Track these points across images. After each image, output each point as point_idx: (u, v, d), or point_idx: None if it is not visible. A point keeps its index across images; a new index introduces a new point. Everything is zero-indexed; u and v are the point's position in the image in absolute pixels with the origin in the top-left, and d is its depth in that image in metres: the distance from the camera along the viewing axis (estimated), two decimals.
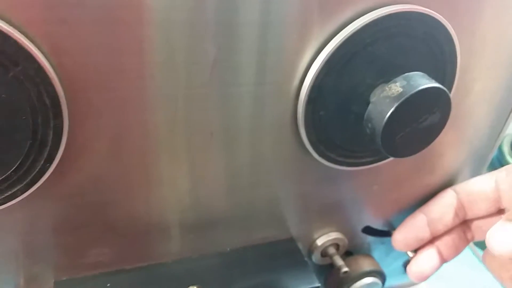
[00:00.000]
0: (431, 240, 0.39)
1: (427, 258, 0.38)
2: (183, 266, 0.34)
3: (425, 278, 0.39)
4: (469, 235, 0.39)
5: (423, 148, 0.29)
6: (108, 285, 0.31)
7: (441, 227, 0.38)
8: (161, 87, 0.26)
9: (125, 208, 0.30)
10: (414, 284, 0.52)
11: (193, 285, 0.32)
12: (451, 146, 0.38)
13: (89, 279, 0.31)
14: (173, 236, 0.34)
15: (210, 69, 0.26)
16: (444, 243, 0.39)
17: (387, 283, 0.45)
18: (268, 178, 0.33)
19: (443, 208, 0.38)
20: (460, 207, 0.37)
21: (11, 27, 0.21)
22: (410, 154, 0.29)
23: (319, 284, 0.34)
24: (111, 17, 0.22)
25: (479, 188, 0.36)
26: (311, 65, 0.28)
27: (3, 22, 0.20)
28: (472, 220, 0.38)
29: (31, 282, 0.32)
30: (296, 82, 0.29)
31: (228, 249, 0.36)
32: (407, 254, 0.40)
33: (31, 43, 0.21)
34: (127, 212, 0.30)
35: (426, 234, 0.38)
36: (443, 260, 0.39)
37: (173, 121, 0.27)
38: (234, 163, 0.31)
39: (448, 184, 0.40)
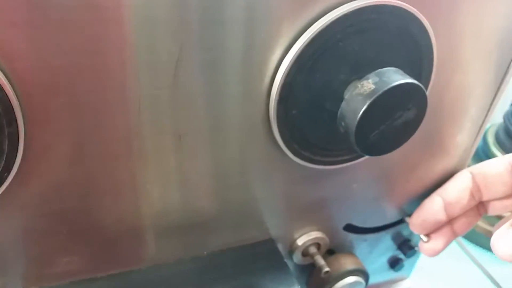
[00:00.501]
0: (447, 221, 0.38)
1: (441, 235, 0.38)
2: (158, 273, 0.32)
3: (437, 253, 0.39)
4: (481, 211, 0.39)
5: (399, 145, 0.28)
6: None
7: (457, 210, 0.37)
8: (122, 88, 0.24)
9: (93, 215, 0.29)
10: (399, 280, 0.51)
11: None
12: (444, 135, 0.37)
13: None
14: (147, 242, 0.32)
15: (174, 68, 0.25)
16: (459, 221, 0.39)
17: (371, 280, 0.44)
18: (242, 179, 0.32)
19: (460, 191, 0.37)
20: (476, 189, 0.37)
21: None
22: (386, 152, 0.28)
23: (298, 287, 0.32)
24: (66, 17, 0.21)
25: (496, 171, 0.36)
26: (281, 62, 0.27)
27: None
28: (487, 201, 0.38)
29: None
30: (266, 80, 0.27)
31: (205, 252, 0.34)
32: (421, 238, 0.39)
33: None
34: (95, 218, 0.29)
35: (443, 217, 0.37)
36: (456, 236, 0.39)
37: (138, 124, 0.26)
38: (205, 166, 0.30)
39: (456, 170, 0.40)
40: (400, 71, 0.27)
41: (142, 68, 0.24)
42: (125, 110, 0.25)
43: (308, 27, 0.26)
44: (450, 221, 0.39)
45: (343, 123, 0.27)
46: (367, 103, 0.26)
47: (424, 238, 0.39)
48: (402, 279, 0.51)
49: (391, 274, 0.49)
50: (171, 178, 0.30)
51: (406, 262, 0.48)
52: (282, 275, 0.33)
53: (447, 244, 0.39)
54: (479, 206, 0.38)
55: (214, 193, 0.32)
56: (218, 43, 0.25)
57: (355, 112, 0.26)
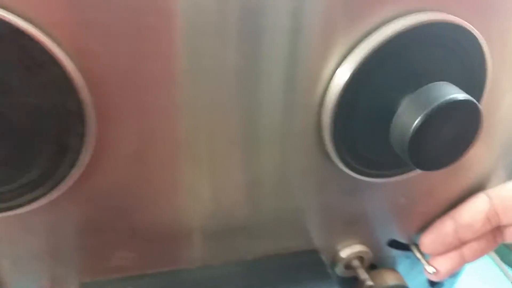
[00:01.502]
0: (458, 245, 0.37)
1: (447, 260, 0.37)
2: (205, 273, 0.33)
3: (441, 278, 0.37)
4: (498, 239, 0.37)
5: (453, 161, 0.28)
6: None
7: (470, 234, 0.36)
8: (185, 94, 0.25)
9: (149, 213, 0.30)
10: None
11: None
12: (482, 155, 0.36)
13: (112, 282, 0.31)
14: (196, 243, 0.33)
15: (234, 76, 0.25)
16: (470, 247, 0.37)
17: None
18: (291, 188, 0.32)
19: (473, 214, 0.36)
20: (494, 214, 0.35)
21: (36, 30, 0.20)
22: (440, 168, 0.27)
23: None
24: (137, 21, 0.22)
25: None
26: (334, 73, 0.27)
27: (29, 24, 0.20)
28: (506, 226, 0.36)
29: (55, 283, 0.32)
30: (319, 90, 0.27)
31: (250, 257, 0.34)
32: (425, 267, 0.38)
33: (56, 46, 0.21)
34: (150, 217, 0.30)
35: (454, 240, 0.36)
36: (464, 262, 0.37)
37: (196, 128, 0.27)
38: (256, 172, 0.30)
39: (476, 191, 0.38)
40: (455, 86, 0.27)
41: (204, 75, 0.25)
42: (183, 115, 0.26)
43: (363, 40, 0.26)
44: (460, 245, 0.37)
45: (396, 136, 0.27)
46: (422, 117, 0.25)
47: (429, 269, 0.37)
48: None
49: None
50: (222, 183, 0.30)
51: (446, 281, 0.46)
52: (325, 285, 0.33)
53: (452, 270, 0.37)
54: (496, 233, 0.36)
55: (262, 199, 0.32)
56: (272, 53, 0.25)
57: (408, 126, 0.26)
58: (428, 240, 0.37)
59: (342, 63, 0.27)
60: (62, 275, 0.31)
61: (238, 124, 0.27)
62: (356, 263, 0.38)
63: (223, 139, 0.28)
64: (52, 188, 0.25)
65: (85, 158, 0.25)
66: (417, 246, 0.38)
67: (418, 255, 0.38)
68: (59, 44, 0.21)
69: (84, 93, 0.22)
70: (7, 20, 0.19)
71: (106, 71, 0.23)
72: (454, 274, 0.44)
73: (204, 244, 0.33)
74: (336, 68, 0.27)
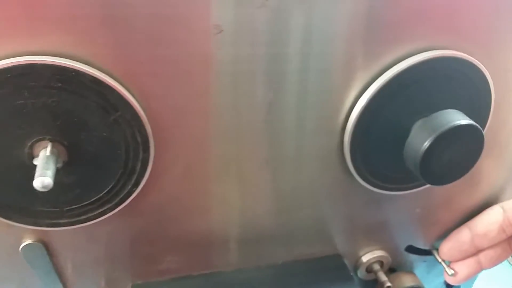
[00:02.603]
0: (475, 252, 0.41)
1: (465, 266, 0.40)
2: (240, 276, 0.38)
3: (459, 282, 0.41)
4: None
5: (459, 177, 0.32)
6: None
7: (485, 242, 0.40)
8: (223, 125, 0.30)
9: (193, 223, 0.35)
10: None
11: None
12: (492, 170, 0.40)
13: (161, 283, 0.36)
14: (231, 249, 0.38)
15: (267, 109, 0.30)
16: (486, 255, 0.40)
17: None
18: (315, 201, 0.37)
19: (488, 224, 0.39)
20: (508, 224, 0.39)
21: (113, 80, 0.26)
22: (448, 182, 0.32)
23: None
24: (184, 69, 0.27)
25: None
26: (356, 102, 0.32)
27: (107, 76, 0.25)
28: None
29: (110, 285, 0.37)
30: (342, 116, 0.32)
31: (280, 262, 0.39)
32: (445, 270, 0.42)
33: (127, 92, 0.26)
34: (194, 226, 0.35)
35: (470, 248, 0.40)
36: (481, 269, 0.41)
37: (232, 152, 0.32)
38: (285, 187, 0.35)
39: (491, 203, 0.42)
40: (461, 113, 0.31)
41: (244, 107, 0.30)
42: (225, 139, 0.31)
43: (380, 75, 0.31)
44: (478, 253, 0.40)
45: (409, 156, 0.31)
46: (431, 139, 0.30)
47: (449, 272, 0.41)
48: None
49: None
50: (254, 198, 0.35)
51: (463, 285, 0.50)
52: (348, 286, 0.38)
53: (470, 275, 0.41)
54: (511, 241, 0.40)
55: (290, 211, 0.37)
56: (302, 89, 0.30)
57: (420, 147, 0.30)
58: (446, 248, 0.41)
59: (362, 95, 0.31)
60: (117, 278, 0.37)
61: (270, 147, 0.32)
62: (376, 266, 0.42)
63: (257, 160, 0.33)
64: (118, 205, 0.30)
65: (145, 178, 0.30)
66: (437, 250, 0.42)
67: (439, 259, 0.42)
68: (129, 90, 0.26)
69: (148, 127, 0.28)
70: (89, 73, 0.25)
71: (163, 109, 0.28)
72: (470, 279, 0.48)
73: (239, 250, 0.38)
74: (357, 99, 0.31)
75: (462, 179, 0.33)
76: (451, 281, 0.41)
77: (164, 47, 0.26)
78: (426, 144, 0.30)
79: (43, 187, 0.24)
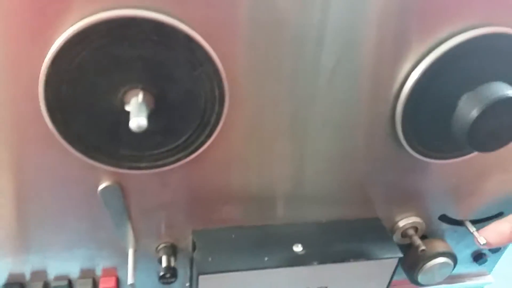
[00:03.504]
0: None
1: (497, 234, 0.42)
2: (289, 229, 0.41)
3: (490, 247, 0.43)
4: None
5: (503, 145, 0.34)
6: (233, 236, 0.39)
7: None
8: (289, 88, 0.33)
9: (252, 178, 0.38)
10: (481, 274, 0.55)
11: (297, 243, 0.39)
12: None
13: (219, 231, 0.39)
14: (282, 205, 0.40)
15: (330, 75, 0.33)
16: None
17: (455, 270, 0.49)
18: (362, 165, 0.39)
19: None
20: None
21: (201, 38, 0.28)
22: (492, 150, 0.34)
23: (401, 255, 0.39)
24: (261, 35, 0.29)
25: None
26: (410, 74, 0.34)
27: (196, 33, 0.28)
28: None
29: (172, 230, 0.40)
30: (396, 87, 0.34)
31: (324, 220, 0.42)
32: (478, 240, 0.44)
33: (212, 50, 0.29)
34: (253, 180, 0.38)
35: (510, 236, 0.41)
36: None
37: (297, 114, 0.34)
38: (335, 150, 0.37)
39: None
40: (508, 85, 0.33)
41: (311, 73, 0.32)
42: (290, 101, 0.33)
43: (433, 49, 0.33)
44: None
45: (457, 124, 0.33)
46: (480, 109, 0.32)
47: (481, 240, 0.43)
48: (484, 274, 0.55)
49: (474, 267, 0.54)
50: (310, 157, 0.37)
51: (490, 258, 0.52)
52: (387, 245, 0.40)
53: (501, 243, 0.42)
54: None
55: (339, 174, 0.39)
56: (362, 58, 0.32)
57: (468, 116, 0.32)
58: (484, 235, 0.43)
59: (415, 67, 0.33)
60: (178, 223, 0.40)
61: (327, 111, 0.35)
62: (411, 232, 0.44)
63: (314, 122, 0.35)
64: (191, 153, 0.33)
65: (217, 131, 0.33)
66: (470, 221, 0.44)
67: (471, 228, 0.44)
68: (214, 49, 0.29)
69: (226, 83, 0.30)
70: (183, 29, 0.27)
71: (239, 70, 0.31)
72: (498, 250, 0.50)
73: (289, 206, 0.41)
74: (411, 71, 0.33)
75: (498, 154, 0.35)
76: (483, 247, 0.43)
77: (248, 12, 0.28)
78: (475, 113, 0.32)
79: (138, 127, 0.26)
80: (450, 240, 0.48)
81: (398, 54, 0.33)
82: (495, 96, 0.32)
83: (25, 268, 0.40)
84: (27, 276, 0.41)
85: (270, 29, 0.30)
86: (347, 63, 0.32)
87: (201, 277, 0.36)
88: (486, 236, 0.42)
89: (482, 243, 0.42)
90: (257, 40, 0.30)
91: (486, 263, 0.52)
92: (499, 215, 0.46)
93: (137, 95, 0.29)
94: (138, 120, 0.26)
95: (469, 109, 0.33)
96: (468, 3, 0.32)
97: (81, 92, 0.28)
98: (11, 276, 0.40)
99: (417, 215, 0.44)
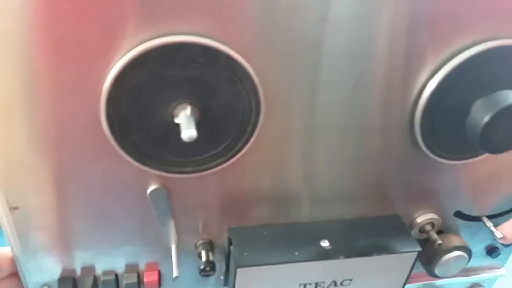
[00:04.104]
0: None
1: None
2: (315, 226, 0.44)
3: (506, 242, 0.45)
4: None
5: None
6: (265, 232, 0.42)
7: None
8: (320, 98, 0.36)
9: (282, 180, 0.41)
10: (494, 267, 0.58)
11: (324, 239, 0.42)
12: None
13: (252, 228, 0.43)
14: (308, 204, 0.44)
15: (353, 86, 0.36)
16: None
17: (469, 264, 0.51)
18: (382, 167, 0.42)
19: None
20: None
21: (241, 57, 0.32)
22: (503, 151, 0.36)
23: (420, 249, 0.42)
24: (293, 51, 0.33)
25: None
26: (427, 83, 0.37)
27: (236, 53, 0.31)
28: None
29: (209, 227, 0.43)
30: (414, 95, 0.37)
31: (348, 217, 0.45)
32: (496, 236, 0.46)
33: (250, 67, 0.32)
34: (282, 182, 0.41)
35: None
36: None
37: (325, 121, 0.37)
38: (359, 153, 0.40)
39: None
40: None
41: (336, 84, 0.35)
42: (318, 110, 0.36)
43: (447, 61, 0.36)
44: None
45: (470, 128, 0.36)
46: (491, 115, 0.35)
47: (498, 235, 0.45)
48: (497, 267, 0.58)
49: (487, 261, 0.56)
50: (335, 161, 0.40)
51: (503, 252, 0.54)
52: (407, 240, 0.43)
53: None
54: None
55: (360, 175, 0.42)
56: (384, 70, 0.35)
57: (481, 121, 0.35)
58: (502, 229, 0.46)
59: (432, 77, 0.36)
60: (216, 222, 0.43)
61: (354, 118, 0.38)
62: (428, 227, 0.47)
63: (341, 129, 0.38)
64: (230, 158, 0.36)
65: (252, 139, 0.36)
66: (486, 217, 0.47)
67: (488, 223, 0.47)
68: (252, 66, 0.32)
69: (262, 97, 0.33)
70: (225, 51, 0.31)
71: (274, 83, 0.34)
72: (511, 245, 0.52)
73: (314, 206, 0.44)
74: (427, 81, 0.36)
75: (509, 154, 0.38)
76: (500, 241, 0.46)
77: (280, 32, 0.32)
78: (486, 118, 0.35)
79: (189, 138, 0.30)
80: (465, 235, 0.51)
81: (415, 67, 0.36)
82: (505, 102, 0.35)
83: (76, 264, 0.44)
84: (78, 271, 0.44)
85: (301, 48, 0.33)
86: (370, 75, 0.36)
87: (239, 269, 0.39)
88: (503, 231, 0.44)
89: (499, 237, 0.45)
90: (289, 58, 0.33)
91: (499, 257, 0.55)
92: (511, 211, 0.49)
93: (185, 109, 0.32)
94: (189, 132, 0.30)
95: (481, 114, 0.35)
96: (478, 18, 0.35)
97: (137, 107, 0.32)
98: (64, 271, 0.44)
99: (433, 211, 0.47)
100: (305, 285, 0.43)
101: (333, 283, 0.43)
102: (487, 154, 0.41)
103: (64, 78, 0.31)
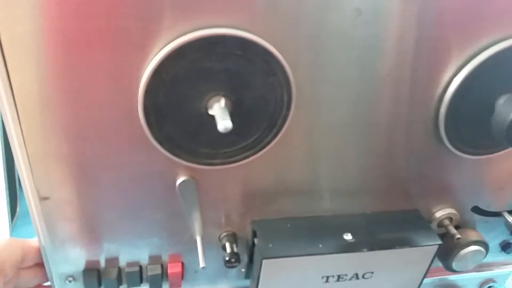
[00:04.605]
0: None
1: None
2: (336, 220, 0.44)
3: None
4: None
5: None
6: (288, 225, 0.42)
7: None
8: (347, 93, 0.36)
9: (306, 174, 0.41)
10: (508, 263, 0.58)
11: (347, 232, 0.42)
12: None
13: (276, 221, 0.43)
14: (330, 198, 0.44)
15: (381, 82, 0.36)
16: None
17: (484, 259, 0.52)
18: (405, 162, 0.42)
19: None
20: None
21: (276, 50, 0.32)
22: None
23: (441, 242, 0.42)
24: (325, 45, 0.33)
25: None
26: (452, 80, 0.37)
27: (271, 46, 0.32)
28: None
29: (232, 220, 0.44)
30: (439, 91, 0.38)
31: (369, 212, 0.45)
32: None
33: (284, 60, 0.32)
34: (305, 176, 0.41)
35: None
36: None
37: (350, 116, 0.38)
38: (382, 148, 0.41)
39: None
40: None
41: (365, 79, 0.36)
42: (344, 105, 0.37)
43: (473, 57, 0.36)
44: None
45: (497, 124, 0.36)
46: None
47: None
48: (510, 263, 0.58)
49: (501, 256, 0.57)
50: (356, 155, 0.41)
51: None
52: (427, 234, 0.43)
53: None
54: None
55: (383, 169, 0.43)
56: (411, 66, 0.36)
57: (507, 116, 0.35)
58: None
59: (458, 73, 0.37)
60: (240, 214, 0.43)
61: (380, 113, 0.38)
62: (446, 222, 0.48)
63: (364, 123, 0.39)
64: (258, 151, 0.37)
65: (282, 131, 0.36)
66: (508, 212, 0.47)
67: (509, 218, 0.47)
68: (286, 59, 0.32)
69: (294, 89, 0.34)
70: (262, 44, 0.31)
71: (305, 77, 0.34)
72: None
73: (336, 199, 0.44)
74: (453, 77, 0.37)
75: None
76: None
77: (313, 26, 0.32)
78: None
79: (225, 129, 0.30)
80: (481, 230, 0.51)
81: (441, 63, 0.36)
82: None
83: (101, 256, 0.44)
84: (103, 263, 0.45)
85: (332, 42, 0.33)
86: (397, 70, 0.36)
87: (264, 261, 0.39)
88: None
89: None
90: (321, 51, 0.33)
91: None
92: None
93: (219, 101, 0.32)
94: (225, 123, 0.30)
95: (506, 109, 0.36)
96: (503, 15, 0.35)
97: (173, 99, 0.32)
98: (88, 263, 0.44)
99: (452, 206, 0.48)
100: (327, 277, 0.43)
101: (355, 275, 0.43)
102: (507, 150, 0.42)
103: (102, 69, 0.31)
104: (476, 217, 0.50)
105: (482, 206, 0.49)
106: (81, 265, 0.44)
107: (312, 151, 0.40)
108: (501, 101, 0.37)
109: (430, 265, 0.45)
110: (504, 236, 0.54)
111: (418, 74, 0.37)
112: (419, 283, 0.46)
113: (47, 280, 0.46)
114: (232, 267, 0.42)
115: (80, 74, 0.31)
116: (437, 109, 0.38)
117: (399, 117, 0.39)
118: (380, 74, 0.36)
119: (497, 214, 0.50)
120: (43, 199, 0.38)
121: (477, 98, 0.37)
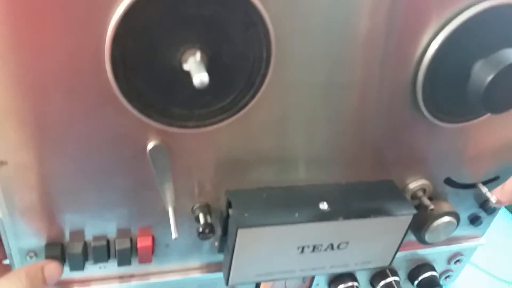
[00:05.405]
0: None
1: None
2: (313, 189, 0.42)
3: (501, 205, 0.46)
4: None
5: None
6: (264, 195, 0.40)
7: None
8: (329, 51, 0.34)
9: (285, 140, 0.39)
10: (475, 236, 0.59)
11: (322, 201, 0.41)
12: None
13: (251, 191, 0.41)
14: (306, 167, 0.42)
15: (362, 41, 0.34)
16: None
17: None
18: (380, 128, 0.41)
19: None
20: None
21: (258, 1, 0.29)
22: (504, 111, 0.36)
23: (416, 211, 0.41)
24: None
25: None
26: (430, 43, 0.36)
27: None
28: None
29: (203, 189, 0.41)
30: (417, 55, 0.36)
31: (343, 181, 0.44)
32: (490, 200, 0.47)
33: (265, 10, 0.30)
34: (284, 143, 0.39)
35: None
36: None
37: (329, 76, 0.36)
38: (357, 113, 0.39)
39: None
40: None
41: (343, 37, 0.34)
42: (325, 64, 0.35)
43: (450, 20, 0.35)
44: None
45: (473, 88, 0.36)
46: (494, 73, 0.34)
47: (493, 199, 0.46)
48: (477, 237, 0.58)
49: (469, 230, 0.57)
50: (333, 120, 0.39)
51: (485, 220, 0.55)
52: (402, 203, 0.43)
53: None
54: None
55: (357, 136, 0.41)
56: (389, 29, 0.34)
57: (484, 80, 0.35)
58: (497, 195, 0.46)
59: (435, 37, 0.35)
60: (214, 184, 0.41)
61: (355, 75, 0.36)
62: (420, 193, 0.47)
63: (343, 85, 0.37)
64: (235, 113, 0.34)
65: (260, 92, 0.34)
66: (481, 183, 0.48)
67: (484, 189, 0.47)
68: (267, 10, 0.30)
69: (274, 45, 0.31)
70: None
71: (286, 31, 0.32)
72: (493, 212, 0.53)
73: (311, 169, 0.43)
74: (431, 40, 0.36)
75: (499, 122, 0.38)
76: (495, 205, 0.46)
77: None
78: (489, 76, 0.35)
79: (201, 83, 0.28)
80: (451, 203, 0.51)
81: (419, 26, 0.35)
82: (508, 61, 0.34)
83: (65, 228, 0.41)
84: (67, 236, 0.41)
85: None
86: (377, 32, 0.34)
87: (240, 230, 0.37)
88: (496, 195, 0.45)
89: (494, 202, 0.45)
90: (305, 5, 0.31)
91: (480, 226, 0.56)
92: (495, 179, 0.49)
93: (194, 54, 0.30)
94: (201, 76, 0.28)
95: (484, 73, 0.35)
96: None
97: (144, 49, 0.29)
98: (51, 236, 0.41)
99: (425, 177, 0.47)
100: (303, 247, 0.41)
101: (330, 246, 0.42)
102: (483, 118, 0.41)
103: (63, 15, 0.28)
104: (448, 189, 0.49)
105: (455, 177, 0.48)
106: (43, 239, 0.41)
107: (288, 116, 0.38)
108: (478, 65, 0.36)
109: (404, 236, 0.44)
110: (473, 209, 0.54)
111: (396, 37, 0.35)
112: (393, 254, 0.45)
113: (6, 258, 0.42)
114: (206, 238, 0.40)
115: (38, 21, 0.28)
116: (415, 74, 0.37)
117: (377, 80, 0.37)
118: (360, 34, 0.34)
119: (469, 186, 0.49)
120: (0, 163, 0.34)
121: (455, 63, 0.36)
